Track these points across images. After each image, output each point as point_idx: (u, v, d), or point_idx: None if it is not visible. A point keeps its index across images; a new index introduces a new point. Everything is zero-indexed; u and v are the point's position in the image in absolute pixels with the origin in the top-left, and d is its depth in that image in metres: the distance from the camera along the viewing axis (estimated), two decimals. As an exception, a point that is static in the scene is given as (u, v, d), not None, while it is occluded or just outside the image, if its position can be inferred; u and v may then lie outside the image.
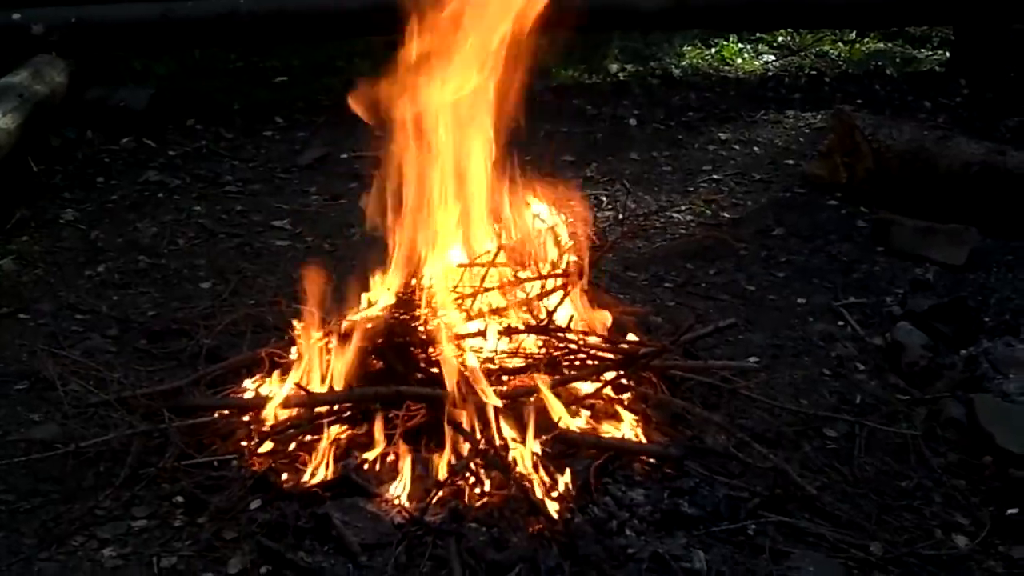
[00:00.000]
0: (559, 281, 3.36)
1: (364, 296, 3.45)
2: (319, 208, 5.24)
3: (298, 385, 3.16)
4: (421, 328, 3.23)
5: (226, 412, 3.29)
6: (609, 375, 3.28)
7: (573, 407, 3.21)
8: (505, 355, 3.26)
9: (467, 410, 3.00)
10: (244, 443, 3.15)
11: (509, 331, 3.26)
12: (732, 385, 3.52)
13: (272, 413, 3.17)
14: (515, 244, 3.42)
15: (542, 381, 3.13)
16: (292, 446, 3.11)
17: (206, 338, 3.83)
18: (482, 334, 3.23)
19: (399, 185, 3.35)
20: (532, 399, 3.12)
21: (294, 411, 3.19)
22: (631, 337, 3.52)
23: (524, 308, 3.35)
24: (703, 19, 7.33)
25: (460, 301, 3.29)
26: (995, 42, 7.24)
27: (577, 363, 3.29)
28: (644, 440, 3.16)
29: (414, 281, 3.34)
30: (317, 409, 3.18)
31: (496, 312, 3.31)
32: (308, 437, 3.13)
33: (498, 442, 2.95)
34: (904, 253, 4.73)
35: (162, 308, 4.17)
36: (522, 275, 3.38)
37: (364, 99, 3.31)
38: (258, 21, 6.35)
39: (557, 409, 3.12)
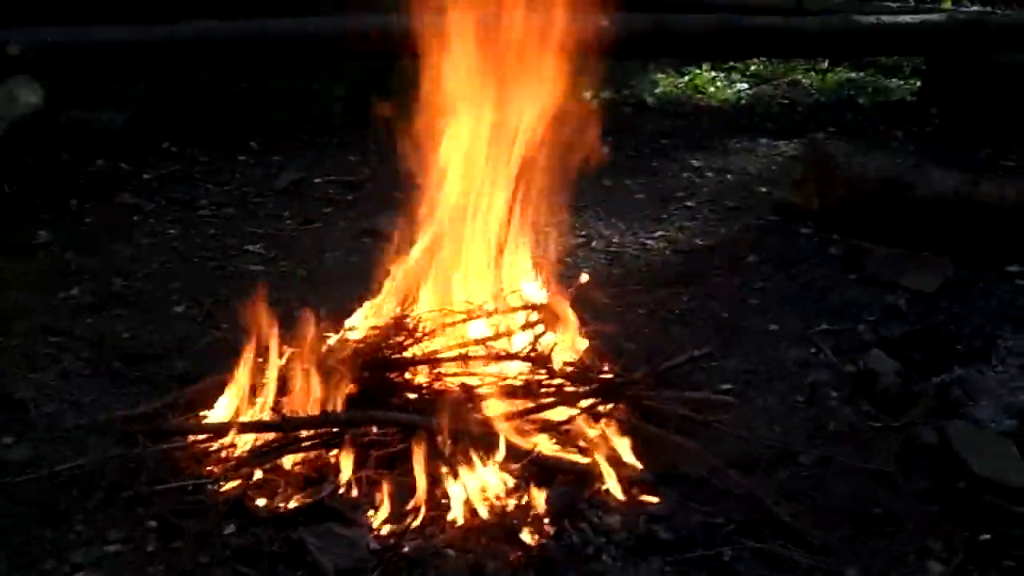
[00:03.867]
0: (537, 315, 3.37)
1: (345, 321, 3.45)
2: (293, 232, 5.24)
3: (273, 409, 3.15)
4: (398, 354, 3.23)
5: (201, 437, 3.27)
6: (585, 403, 3.28)
7: (549, 433, 3.21)
8: (483, 383, 3.25)
9: (446, 435, 2.99)
10: (218, 468, 3.13)
11: (488, 358, 3.25)
12: (705, 418, 3.51)
13: (247, 438, 3.16)
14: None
15: (518, 408, 3.13)
16: (266, 471, 3.09)
17: (180, 361, 3.81)
18: (463, 359, 3.24)
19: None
20: (508, 425, 3.12)
21: (269, 435, 3.18)
22: (607, 366, 3.53)
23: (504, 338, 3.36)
24: (677, 48, 7.39)
25: (441, 329, 3.30)
26: (966, 72, 7.33)
27: (553, 390, 3.29)
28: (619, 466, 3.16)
29: (397, 309, 3.35)
30: (292, 433, 3.17)
31: (477, 342, 3.31)
32: (283, 462, 3.11)
33: (475, 467, 2.95)
34: (877, 280, 4.75)
35: (137, 331, 4.14)
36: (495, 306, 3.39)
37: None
38: (236, 45, 6.35)
39: (533, 435, 3.12)
